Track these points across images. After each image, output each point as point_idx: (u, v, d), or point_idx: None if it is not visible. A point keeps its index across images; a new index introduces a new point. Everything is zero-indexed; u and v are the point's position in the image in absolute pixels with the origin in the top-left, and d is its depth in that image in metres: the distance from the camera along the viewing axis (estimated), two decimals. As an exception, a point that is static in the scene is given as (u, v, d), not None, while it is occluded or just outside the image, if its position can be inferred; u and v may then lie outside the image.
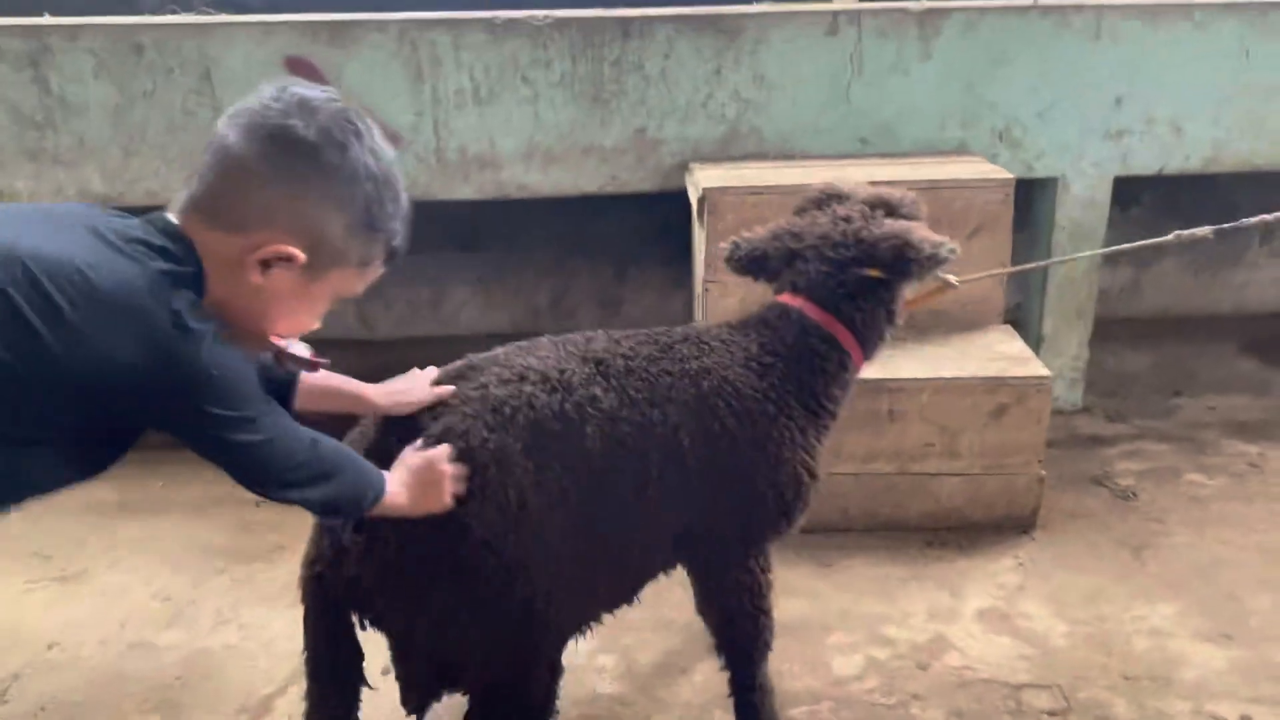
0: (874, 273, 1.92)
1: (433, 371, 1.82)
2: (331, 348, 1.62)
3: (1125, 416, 3.55)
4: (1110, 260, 4.05)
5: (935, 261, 1.90)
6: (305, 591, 1.74)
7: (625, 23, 3.21)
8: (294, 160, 1.29)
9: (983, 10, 3.26)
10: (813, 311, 1.94)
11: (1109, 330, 3.86)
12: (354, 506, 1.54)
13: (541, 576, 1.69)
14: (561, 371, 1.77)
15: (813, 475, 1.93)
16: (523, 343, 1.86)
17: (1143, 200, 4.05)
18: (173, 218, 1.33)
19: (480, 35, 3.19)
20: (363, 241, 1.37)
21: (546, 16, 3.18)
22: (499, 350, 1.85)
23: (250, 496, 1.48)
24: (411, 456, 1.62)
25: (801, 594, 2.62)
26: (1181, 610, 2.57)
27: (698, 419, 1.82)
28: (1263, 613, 2.56)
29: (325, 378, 1.69)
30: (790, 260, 2.00)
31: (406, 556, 1.64)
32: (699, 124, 3.31)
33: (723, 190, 3.00)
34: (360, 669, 1.77)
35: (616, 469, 1.75)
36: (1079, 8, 3.27)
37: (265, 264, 1.32)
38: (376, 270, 1.44)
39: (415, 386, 1.77)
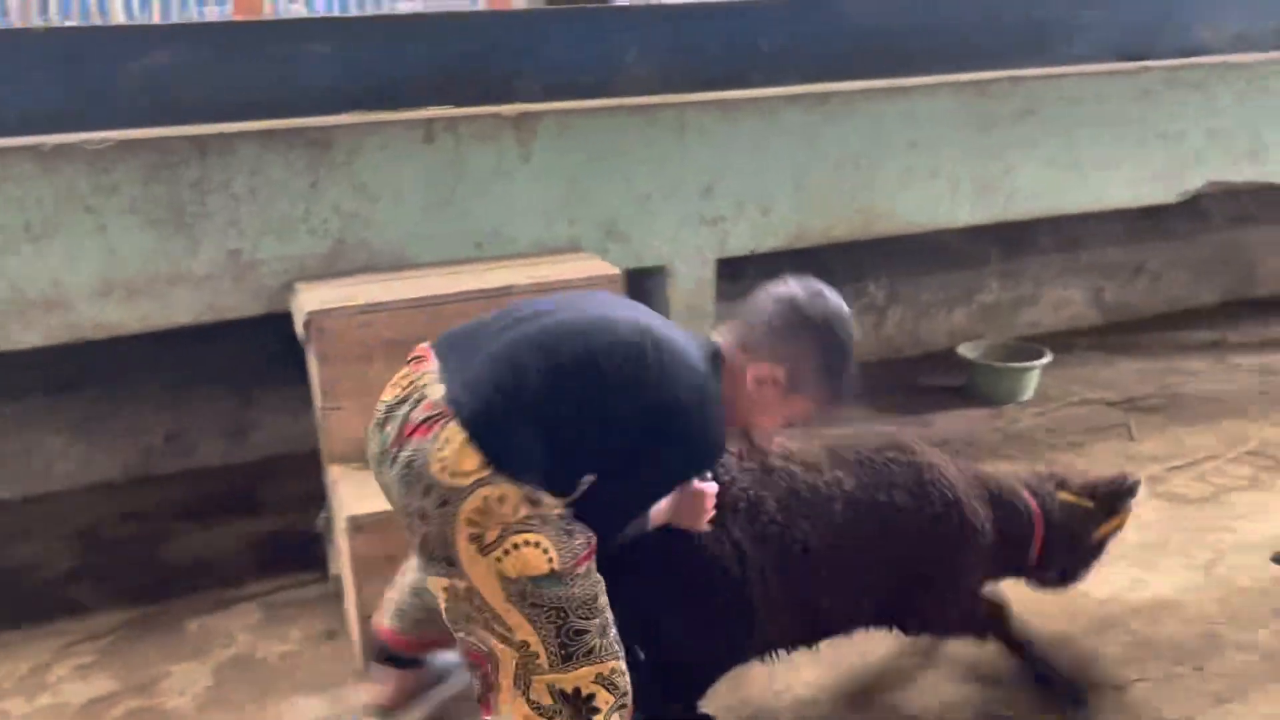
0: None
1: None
2: None
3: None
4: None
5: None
6: None
7: (201, 141, 2.97)
8: (800, 328, 1.98)
9: (570, 111, 3.35)
10: (1038, 520, 2.48)
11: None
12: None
13: (759, 595, 2.17)
14: (816, 459, 2.32)
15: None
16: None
17: (748, 273, 4.34)
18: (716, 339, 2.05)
19: (26, 165, 2.82)
20: (823, 384, 2.01)
21: (104, 139, 2.87)
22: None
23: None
24: (693, 485, 2.10)
25: None
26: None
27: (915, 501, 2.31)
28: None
29: None
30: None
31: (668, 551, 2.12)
32: (300, 241, 3.13)
33: (327, 312, 2.84)
34: None
35: (846, 545, 2.24)
36: (662, 106, 3.46)
37: (759, 381, 1.98)
38: (823, 406, 2.04)
39: None
